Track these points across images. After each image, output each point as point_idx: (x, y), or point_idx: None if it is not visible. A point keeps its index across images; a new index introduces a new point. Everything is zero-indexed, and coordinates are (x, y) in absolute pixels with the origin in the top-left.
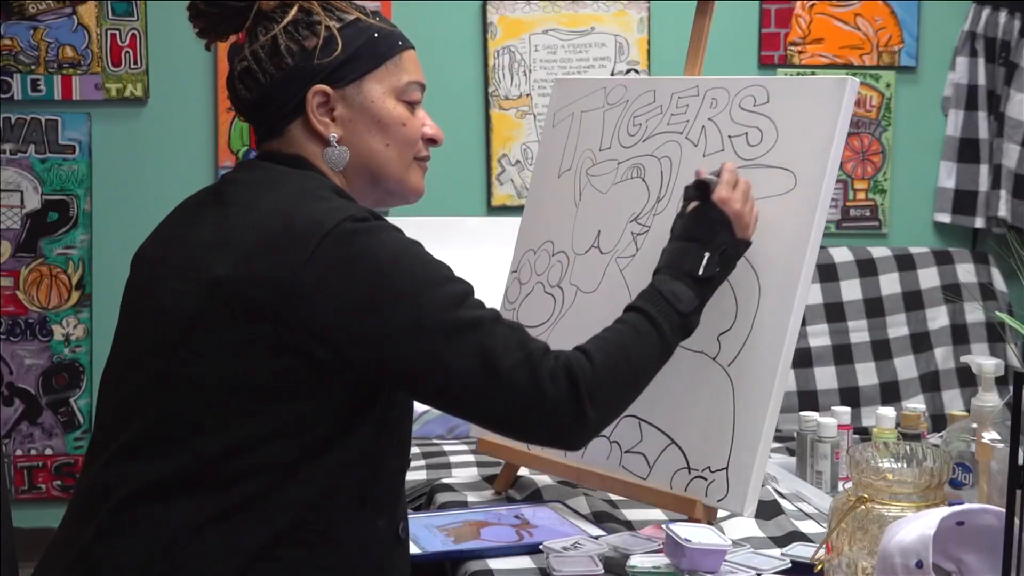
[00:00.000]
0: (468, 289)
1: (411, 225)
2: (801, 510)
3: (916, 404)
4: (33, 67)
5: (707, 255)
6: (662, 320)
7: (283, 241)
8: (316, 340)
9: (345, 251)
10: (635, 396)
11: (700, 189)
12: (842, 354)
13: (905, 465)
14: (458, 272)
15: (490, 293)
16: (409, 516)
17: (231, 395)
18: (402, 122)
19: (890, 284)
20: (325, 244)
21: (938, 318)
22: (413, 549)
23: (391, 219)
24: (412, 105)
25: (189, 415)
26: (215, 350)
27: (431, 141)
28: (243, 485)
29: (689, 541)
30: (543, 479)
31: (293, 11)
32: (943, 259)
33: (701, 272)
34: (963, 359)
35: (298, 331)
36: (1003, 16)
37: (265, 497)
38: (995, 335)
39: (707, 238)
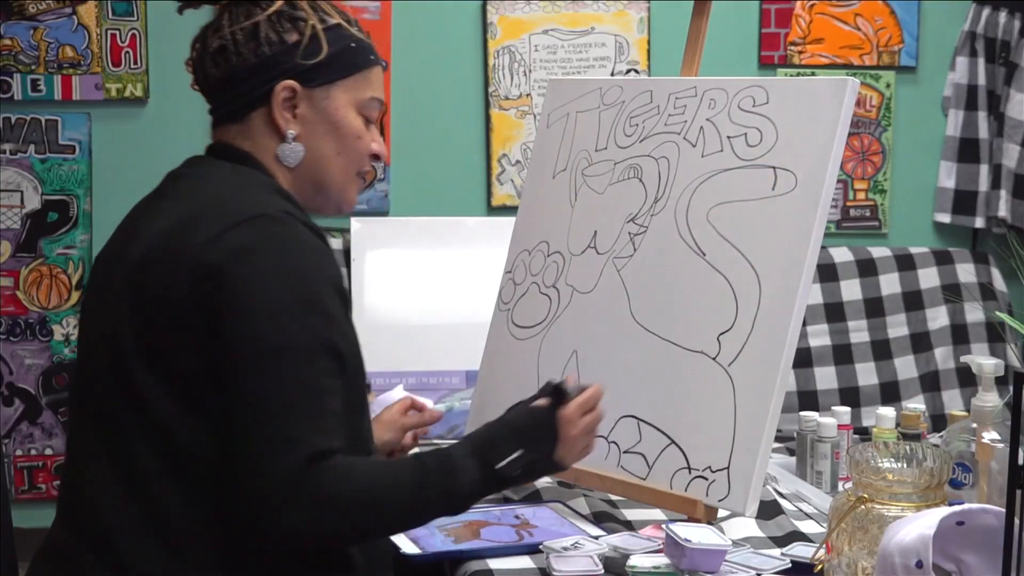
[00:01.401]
0: (318, 344)
1: (412, 225)
2: (801, 510)
3: (916, 404)
4: (33, 67)
5: (516, 455)
6: (433, 490)
7: (198, 222)
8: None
9: (253, 241)
10: (354, 538)
11: (554, 394)
12: (842, 354)
13: (905, 465)
14: (458, 272)
15: (490, 293)
16: None
17: (170, 384)
18: (357, 135)
19: (890, 284)
20: (238, 229)
21: (938, 318)
22: (413, 549)
23: (392, 219)
24: (368, 121)
25: (140, 410)
26: (145, 341)
27: (375, 157)
28: (204, 474)
29: (689, 541)
30: (543, 479)
31: (279, 3)
32: (943, 259)
33: (499, 466)
34: (963, 359)
35: (204, 310)
36: (1003, 16)
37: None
38: (995, 335)
39: (529, 440)
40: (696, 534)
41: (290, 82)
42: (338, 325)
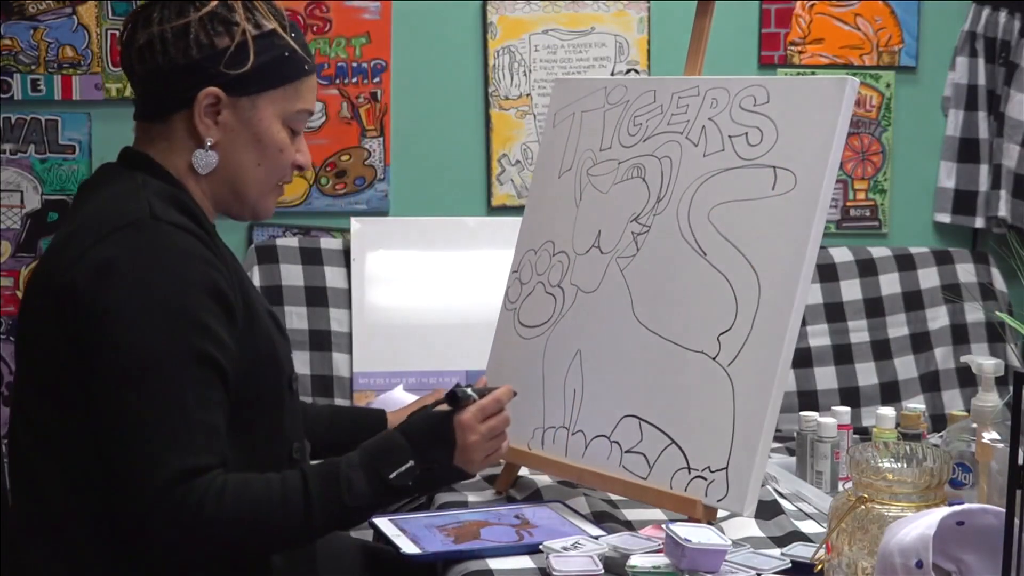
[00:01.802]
0: (185, 355)
1: (411, 225)
2: (801, 510)
3: (916, 404)
4: (33, 67)
5: (409, 465)
6: (318, 505)
7: (69, 243)
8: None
9: (114, 253)
10: (238, 555)
11: (451, 399)
12: (842, 354)
13: (905, 465)
14: (458, 273)
15: (490, 293)
16: (409, 516)
17: (59, 410)
18: (280, 148)
19: (890, 284)
20: (100, 244)
21: (938, 318)
22: (413, 549)
23: (391, 219)
24: (293, 133)
25: (32, 426)
26: (29, 366)
27: (298, 167)
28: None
29: (689, 541)
30: (543, 479)
31: (213, 3)
32: (943, 259)
33: (391, 477)
34: (963, 359)
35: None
36: (1003, 16)
37: None
38: (995, 335)
39: (422, 449)
40: (696, 534)
41: (214, 89)
42: (211, 332)
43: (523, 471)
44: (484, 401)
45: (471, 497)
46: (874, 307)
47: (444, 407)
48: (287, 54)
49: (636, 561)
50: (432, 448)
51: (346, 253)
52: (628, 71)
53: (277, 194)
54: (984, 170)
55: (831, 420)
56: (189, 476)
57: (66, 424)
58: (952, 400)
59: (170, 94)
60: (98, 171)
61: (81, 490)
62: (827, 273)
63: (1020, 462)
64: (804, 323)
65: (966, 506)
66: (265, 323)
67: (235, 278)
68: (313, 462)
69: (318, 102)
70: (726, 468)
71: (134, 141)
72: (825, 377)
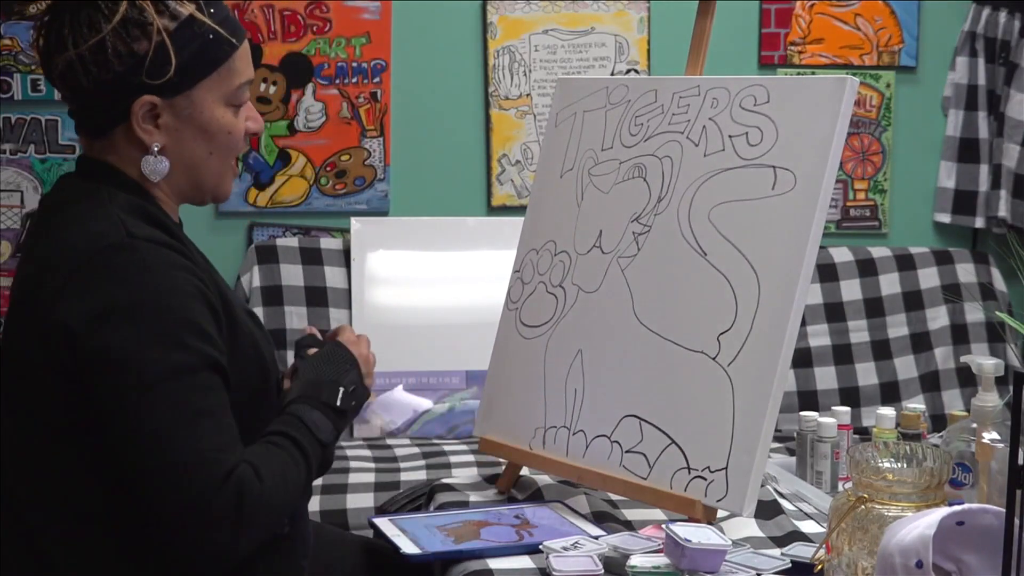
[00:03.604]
0: (195, 363)
1: (411, 225)
2: (801, 510)
3: (916, 404)
4: (33, 67)
5: (342, 390)
6: (309, 451)
7: (44, 273)
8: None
9: (97, 282)
10: (279, 524)
11: (315, 342)
12: (842, 354)
13: (905, 465)
14: (458, 272)
15: (490, 293)
16: (409, 516)
17: (42, 429)
18: (228, 131)
19: (890, 284)
20: (80, 274)
21: (938, 318)
22: (413, 549)
23: (391, 219)
24: (237, 107)
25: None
26: (11, 392)
27: (252, 134)
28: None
29: (689, 541)
30: (543, 479)
31: (123, 8)
32: (943, 259)
33: (339, 403)
34: (963, 359)
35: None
36: (1003, 16)
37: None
38: (995, 335)
39: (339, 375)
40: (696, 534)
41: (148, 97)
42: (211, 337)
43: (524, 471)
44: (342, 331)
45: (471, 497)
46: (874, 307)
47: (314, 351)
48: (211, 36)
49: (636, 561)
50: (346, 373)
51: (346, 253)
52: (628, 71)
53: (233, 172)
54: (984, 170)
55: (831, 420)
56: (229, 473)
57: (60, 456)
58: (952, 400)
59: (104, 111)
60: (59, 185)
61: (70, 517)
62: (827, 273)
63: (1020, 462)
64: (804, 323)
65: (966, 506)
66: (246, 324)
67: (211, 281)
68: None
69: (318, 102)
70: (726, 468)
71: (85, 148)
72: (825, 377)
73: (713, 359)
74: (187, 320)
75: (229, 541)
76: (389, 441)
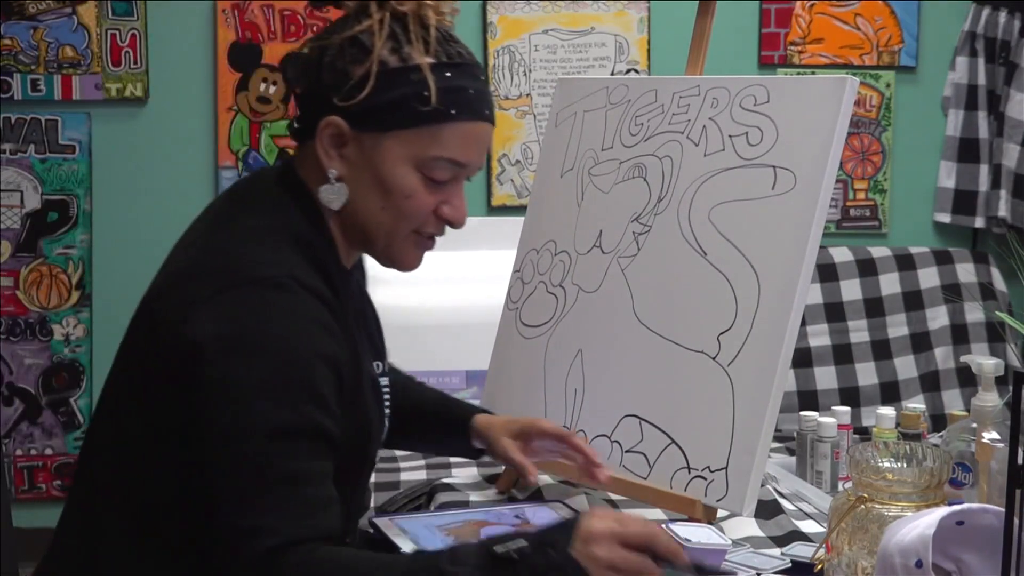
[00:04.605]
0: (297, 428)
1: None
2: (801, 510)
3: (916, 404)
4: (33, 67)
5: (520, 543)
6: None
7: (188, 281)
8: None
9: (237, 313)
10: None
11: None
12: (842, 354)
13: (905, 465)
14: (458, 272)
15: (490, 293)
16: (409, 516)
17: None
18: (407, 194)
19: (890, 284)
20: (222, 297)
21: (938, 318)
22: (413, 549)
23: None
24: (434, 181)
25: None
26: (127, 384)
27: (447, 222)
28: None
29: (689, 541)
30: (544, 479)
31: (366, 23)
32: (943, 259)
33: (496, 548)
34: (963, 359)
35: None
36: (1003, 16)
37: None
38: (995, 335)
39: (538, 533)
40: (696, 534)
41: (335, 118)
42: (328, 404)
43: None
44: (628, 528)
45: (471, 497)
46: (874, 307)
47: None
48: (424, 94)
49: None
50: (548, 531)
51: None
52: (628, 71)
53: (415, 246)
54: (984, 170)
55: (831, 420)
56: (285, 548)
57: (145, 461)
58: (952, 400)
59: (304, 119)
60: (252, 181)
61: (137, 522)
62: (827, 273)
63: (1020, 462)
64: (804, 323)
65: (966, 506)
66: (367, 398)
67: (351, 347)
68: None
69: None
70: (726, 468)
71: (295, 150)
72: (825, 377)
73: (713, 359)
74: (306, 381)
75: None
76: None
